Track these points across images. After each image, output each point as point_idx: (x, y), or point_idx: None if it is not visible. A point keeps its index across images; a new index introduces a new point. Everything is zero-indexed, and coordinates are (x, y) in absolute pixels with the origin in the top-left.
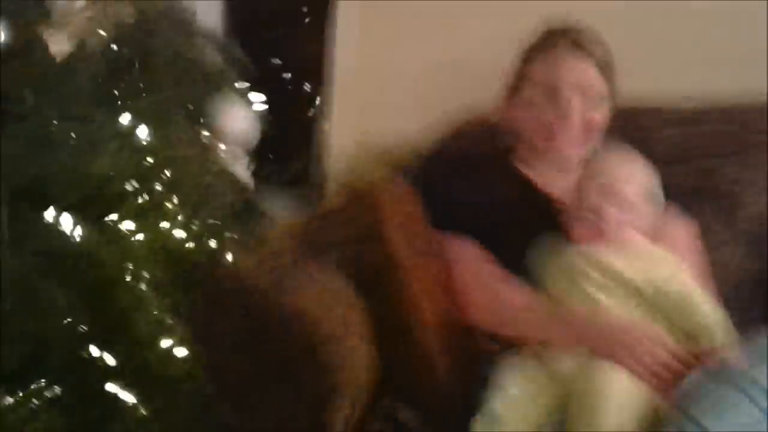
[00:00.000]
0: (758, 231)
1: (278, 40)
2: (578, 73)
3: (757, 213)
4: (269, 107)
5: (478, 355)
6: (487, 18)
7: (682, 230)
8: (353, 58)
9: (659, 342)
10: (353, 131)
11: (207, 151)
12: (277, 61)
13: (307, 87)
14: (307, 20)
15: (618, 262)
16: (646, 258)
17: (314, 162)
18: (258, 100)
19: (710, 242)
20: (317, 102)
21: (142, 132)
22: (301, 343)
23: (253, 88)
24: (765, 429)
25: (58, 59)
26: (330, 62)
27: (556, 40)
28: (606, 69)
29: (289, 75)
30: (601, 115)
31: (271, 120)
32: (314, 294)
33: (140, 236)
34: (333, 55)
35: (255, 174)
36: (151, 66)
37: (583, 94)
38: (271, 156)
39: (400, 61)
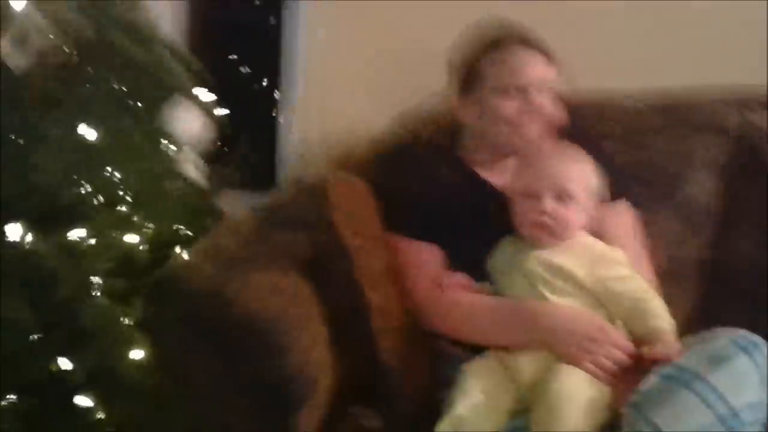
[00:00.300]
0: (697, 208)
1: (237, 37)
2: (536, 69)
3: (696, 190)
4: (230, 107)
5: (441, 358)
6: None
7: (623, 216)
8: (313, 54)
9: (618, 344)
10: (313, 127)
11: (159, 150)
12: (235, 58)
13: (266, 85)
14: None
15: (572, 264)
16: (599, 259)
17: (280, 164)
18: (214, 101)
19: (649, 220)
20: (278, 101)
21: (89, 131)
22: (259, 346)
23: (211, 89)
24: None
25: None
26: (288, 59)
27: (503, 39)
28: (552, 61)
29: (249, 73)
30: (552, 102)
31: (232, 121)
32: (267, 293)
33: (96, 246)
34: (291, 51)
35: (218, 178)
36: (102, 68)
37: (542, 89)
38: (234, 159)
39: (357, 54)
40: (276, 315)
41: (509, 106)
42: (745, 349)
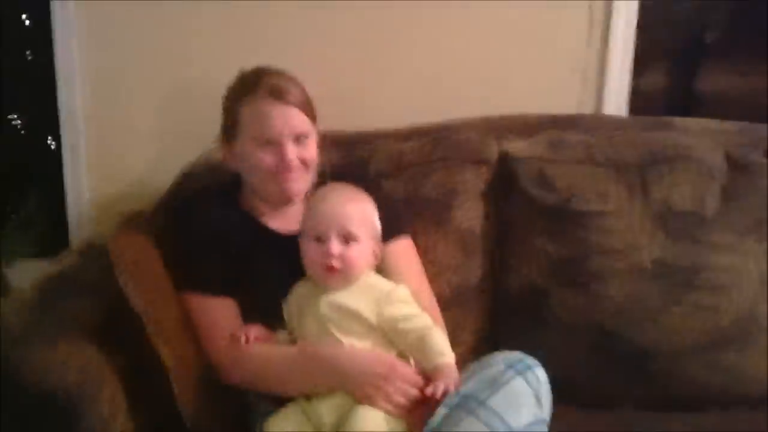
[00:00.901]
0: (469, 234)
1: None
2: (285, 120)
3: (465, 218)
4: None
5: (252, 412)
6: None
7: (404, 250)
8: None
9: (408, 379)
10: (101, 186)
11: None
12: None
13: (53, 146)
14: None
15: (360, 305)
16: (385, 298)
17: (70, 227)
18: None
19: (427, 250)
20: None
21: None
22: (50, 423)
23: None
24: None
25: None
26: (69, 118)
27: (254, 87)
28: (305, 107)
29: (32, 136)
30: (311, 150)
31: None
32: (55, 367)
33: None
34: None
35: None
36: None
37: (293, 137)
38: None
39: (142, 104)
40: (65, 389)
41: (265, 158)
42: (520, 372)
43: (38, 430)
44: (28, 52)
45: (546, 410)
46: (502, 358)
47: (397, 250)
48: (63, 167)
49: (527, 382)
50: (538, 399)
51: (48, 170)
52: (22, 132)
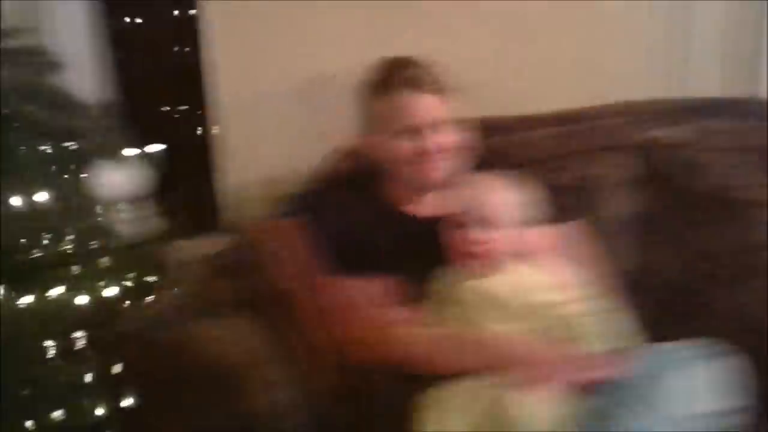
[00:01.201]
0: (615, 224)
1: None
2: (422, 110)
3: (611, 207)
4: (167, 157)
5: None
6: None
7: (566, 237)
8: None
9: (559, 365)
10: (245, 170)
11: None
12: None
13: (201, 132)
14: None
15: (505, 292)
16: (531, 286)
17: (222, 208)
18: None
19: None
20: (210, 145)
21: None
22: (218, 392)
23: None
24: None
25: None
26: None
27: (390, 79)
28: (442, 94)
29: (183, 121)
30: (453, 137)
31: (170, 170)
32: (219, 340)
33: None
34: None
35: (165, 228)
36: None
37: (432, 124)
38: (179, 208)
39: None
40: (227, 363)
41: (407, 148)
42: (704, 358)
43: (199, 401)
44: (180, 48)
45: (734, 400)
46: (680, 346)
47: (557, 236)
48: (212, 154)
49: (706, 372)
50: (721, 388)
51: (200, 156)
52: (179, 122)
